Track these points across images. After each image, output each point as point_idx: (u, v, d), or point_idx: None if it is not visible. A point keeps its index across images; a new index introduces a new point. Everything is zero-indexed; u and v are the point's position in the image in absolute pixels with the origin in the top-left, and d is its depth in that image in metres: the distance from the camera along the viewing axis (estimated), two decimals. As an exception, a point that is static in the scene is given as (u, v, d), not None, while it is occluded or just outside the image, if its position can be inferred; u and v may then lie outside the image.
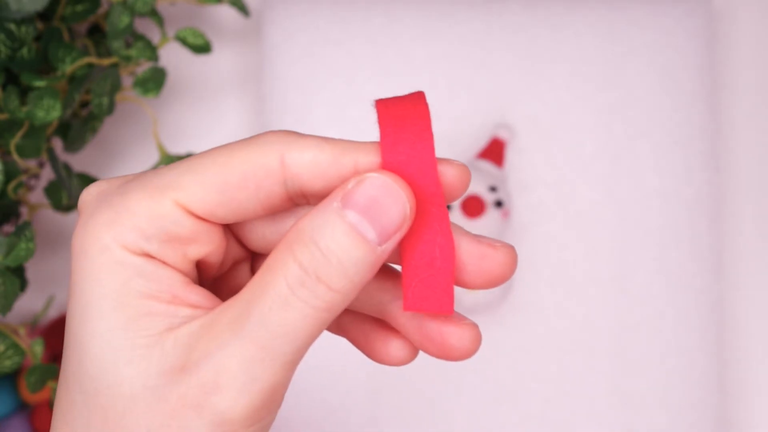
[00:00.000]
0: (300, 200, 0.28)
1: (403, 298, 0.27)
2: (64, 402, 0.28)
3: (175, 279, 0.27)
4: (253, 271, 0.32)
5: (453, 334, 0.28)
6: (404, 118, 0.27)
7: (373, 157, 0.27)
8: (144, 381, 0.26)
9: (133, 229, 0.27)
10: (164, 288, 0.27)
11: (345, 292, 0.26)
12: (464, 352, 0.28)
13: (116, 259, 0.27)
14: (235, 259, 0.31)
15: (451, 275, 0.27)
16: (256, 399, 0.26)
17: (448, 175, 0.28)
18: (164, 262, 0.27)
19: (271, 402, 0.27)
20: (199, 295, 0.28)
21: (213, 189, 0.27)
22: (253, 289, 0.26)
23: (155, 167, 0.53)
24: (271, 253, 0.27)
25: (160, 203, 0.27)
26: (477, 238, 0.28)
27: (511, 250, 0.28)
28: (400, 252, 0.27)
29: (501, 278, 0.28)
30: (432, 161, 0.27)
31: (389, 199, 0.26)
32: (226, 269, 0.31)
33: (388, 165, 0.27)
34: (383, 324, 0.31)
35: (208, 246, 0.28)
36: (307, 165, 0.27)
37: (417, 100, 0.28)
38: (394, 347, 0.30)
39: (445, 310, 0.27)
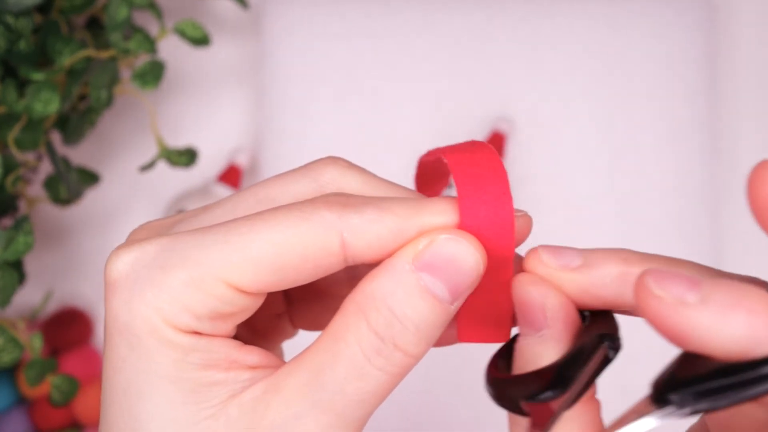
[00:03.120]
0: (358, 266, 0.28)
1: (459, 332, 0.28)
2: None
3: (229, 345, 0.27)
4: (287, 301, 0.32)
5: None
6: (482, 178, 0.26)
7: (439, 220, 0.26)
8: None
9: (182, 310, 0.26)
10: (221, 356, 0.26)
11: (420, 355, 0.26)
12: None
13: (168, 339, 0.26)
14: (276, 310, 0.31)
15: (511, 316, 0.27)
16: None
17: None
18: (215, 335, 0.27)
19: None
20: (257, 355, 0.27)
21: (268, 271, 0.26)
22: (322, 354, 0.26)
23: (155, 161, 0.52)
24: (337, 314, 0.26)
25: (210, 285, 0.26)
26: None
27: (527, 216, 0.28)
28: None
29: (520, 242, 0.28)
30: (510, 225, 0.26)
31: (462, 260, 0.26)
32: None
33: (466, 226, 0.26)
34: None
35: (254, 310, 0.27)
36: (369, 242, 0.26)
37: (491, 157, 0.27)
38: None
39: (501, 340, 0.28)
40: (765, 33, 0.61)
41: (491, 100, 0.57)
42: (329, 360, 0.26)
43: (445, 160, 0.27)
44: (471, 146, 0.27)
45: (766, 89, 0.61)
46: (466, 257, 0.26)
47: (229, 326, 0.27)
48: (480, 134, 0.57)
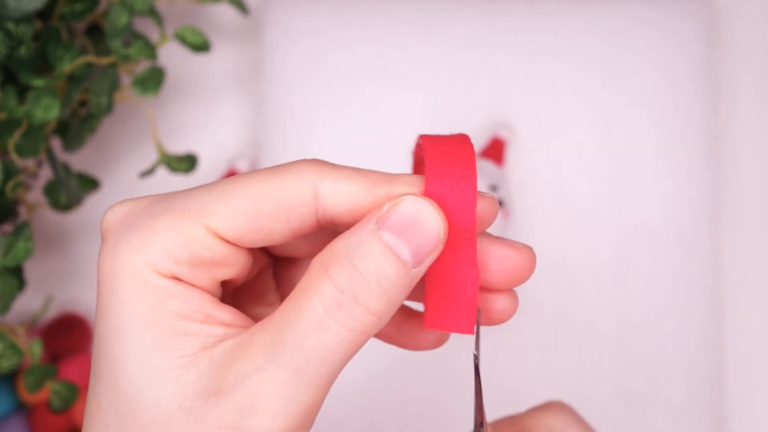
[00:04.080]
0: (329, 227, 0.28)
1: (425, 316, 0.28)
2: (96, 424, 0.28)
3: (206, 299, 0.28)
4: (275, 276, 0.32)
5: (494, 301, 0.29)
6: (450, 155, 0.28)
7: (406, 189, 0.27)
8: (180, 401, 0.26)
9: (163, 252, 0.27)
10: (196, 308, 0.27)
11: (382, 314, 0.26)
12: (506, 314, 0.30)
13: (148, 282, 0.27)
14: (258, 268, 0.31)
15: (476, 303, 0.28)
16: (292, 421, 0.26)
17: (478, 207, 0.28)
18: (193, 285, 0.28)
19: (306, 422, 0.27)
20: (230, 314, 0.28)
21: (245, 216, 0.27)
22: (287, 311, 0.26)
23: (155, 167, 0.52)
24: (303, 276, 0.27)
25: (191, 228, 0.27)
26: (499, 240, 0.29)
27: (531, 251, 0.29)
28: (425, 275, 0.28)
29: (522, 279, 0.29)
30: (472, 198, 0.27)
31: (424, 222, 0.27)
32: (249, 279, 0.31)
33: (430, 194, 0.27)
34: (413, 312, 0.31)
35: (235, 268, 0.28)
36: (339, 196, 0.27)
37: (463, 140, 0.29)
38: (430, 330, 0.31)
39: (466, 331, 0.28)
40: (765, 41, 0.61)
41: (491, 106, 0.57)
42: (292, 316, 0.26)
43: (420, 142, 0.29)
44: (449, 135, 0.29)
45: (766, 97, 0.61)
46: (428, 219, 0.27)
47: (208, 278, 0.28)
48: (480, 140, 0.57)
